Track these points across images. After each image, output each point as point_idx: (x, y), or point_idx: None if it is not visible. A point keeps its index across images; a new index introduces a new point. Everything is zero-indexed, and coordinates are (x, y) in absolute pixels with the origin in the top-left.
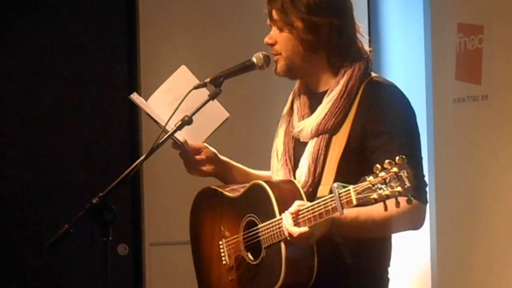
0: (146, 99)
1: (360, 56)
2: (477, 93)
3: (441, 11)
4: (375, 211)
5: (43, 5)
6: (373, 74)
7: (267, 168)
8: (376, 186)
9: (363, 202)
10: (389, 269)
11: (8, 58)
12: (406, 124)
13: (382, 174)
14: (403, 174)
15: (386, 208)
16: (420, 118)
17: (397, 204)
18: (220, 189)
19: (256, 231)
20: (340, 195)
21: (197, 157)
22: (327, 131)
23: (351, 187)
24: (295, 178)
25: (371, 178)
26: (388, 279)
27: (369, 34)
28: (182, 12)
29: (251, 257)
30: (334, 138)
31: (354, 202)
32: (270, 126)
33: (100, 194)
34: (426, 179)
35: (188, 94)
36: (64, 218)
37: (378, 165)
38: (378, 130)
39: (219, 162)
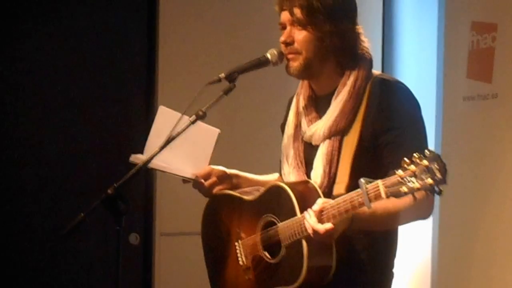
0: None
1: (363, 56)
2: (487, 91)
3: (456, 8)
4: (391, 203)
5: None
6: (376, 72)
7: (274, 170)
8: (405, 179)
9: (392, 195)
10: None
11: (28, 54)
12: (413, 118)
13: (412, 167)
14: (434, 166)
15: (415, 199)
16: (430, 115)
17: (428, 196)
18: (234, 194)
19: (275, 229)
20: (368, 190)
21: (208, 182)
22: (338, 132)
23: (379, 181)
24: (309, 179)
25: (400, 171)
26: (393, 273)
27: (383, 31)
28: (201, 9)
29: (268, 256)
30: (345, 138)
31: (383, 196)
32: (275, 129)
33: (115, 184)
34: None
35: (203, 89)
36: (80, 208)
37: (406, 159)
38: (387, 127)
39: (229, 178)
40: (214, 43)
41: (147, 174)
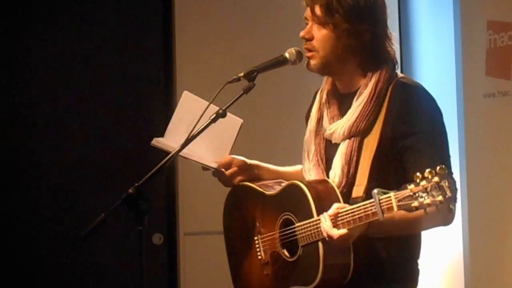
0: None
1: (387, 58)
2: (507, 88)
3: (471, 8)
4: None
5: (80, 4)
6: (399, 75)
7: (296, 162)
8: (417, 194)
9: (403, 209)
10: (419, 261)
11: (47, 58)
12: (434, 124)
13: (424, 183)
14: (444, 184)
15: (426, 213)
16: (451, 113)
17: (438, 211)
18: (255, 186)
19: (293, 229)
20: (381, 201)
21: (229, 171)
22: (358, 133)
23: (392, 193)
24: (328, 178)
25: (412, 186)
26: (418, 270)
27: (400, 31)
28: (217, 9)
29: (287, 254)
30: (366, 139)
31: (395, 209)
32: (297, 122)
33: (136, 184)
34: (457, 173)
35: (222, 88)
36: (101, 208)
37: (418, 174)
38: (407, 131)
39: (250, 168)
40: (231, 40)
41: (169, 173)
